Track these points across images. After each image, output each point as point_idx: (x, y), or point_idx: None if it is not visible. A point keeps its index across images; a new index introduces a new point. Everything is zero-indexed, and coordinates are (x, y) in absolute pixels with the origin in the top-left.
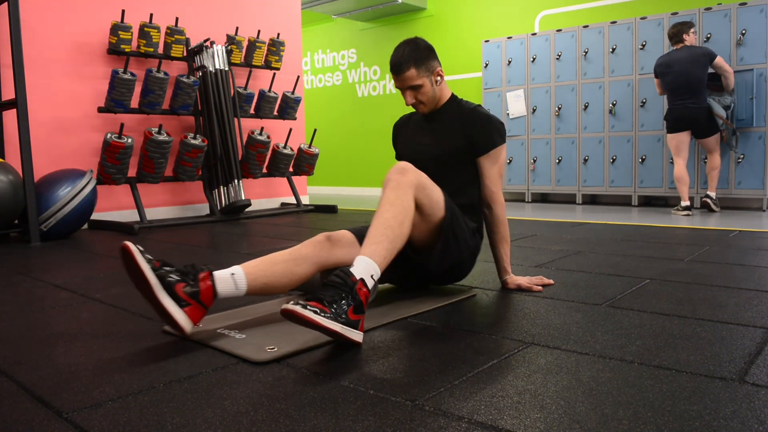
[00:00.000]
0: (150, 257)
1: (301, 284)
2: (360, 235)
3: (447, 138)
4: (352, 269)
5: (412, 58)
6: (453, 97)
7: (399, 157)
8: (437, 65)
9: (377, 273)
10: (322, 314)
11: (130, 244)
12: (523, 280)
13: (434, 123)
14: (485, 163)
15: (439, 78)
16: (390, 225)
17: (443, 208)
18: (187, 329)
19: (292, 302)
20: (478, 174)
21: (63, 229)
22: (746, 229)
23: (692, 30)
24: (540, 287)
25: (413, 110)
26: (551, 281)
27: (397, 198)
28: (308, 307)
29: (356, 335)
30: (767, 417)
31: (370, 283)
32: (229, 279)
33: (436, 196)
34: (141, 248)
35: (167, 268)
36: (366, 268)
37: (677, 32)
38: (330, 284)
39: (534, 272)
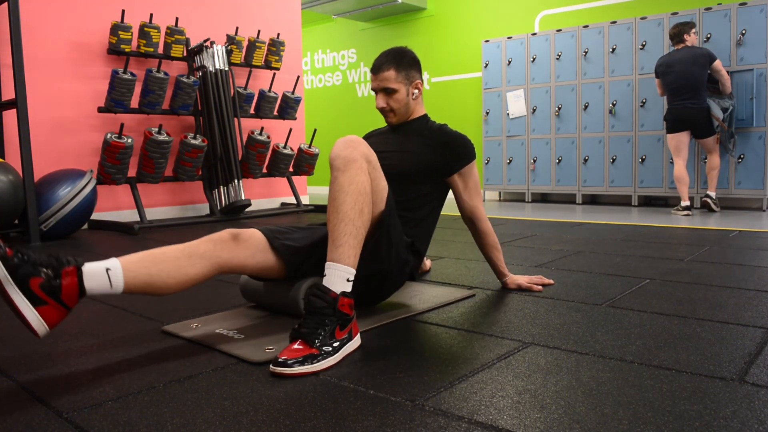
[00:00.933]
0: (2, 244)
1: (190, 286)
2: (272, 235)
3: (413, 152)
4: (326, 282)
5: (395, 61)
6: (426, 116)
7: None
8: (418, 78)
9: (352, 273)
10: (314, 361)
11: None
12: (523, 280)
13: (400, 135)
14: (459, 180)
15: (416, 91)
16: (350, 218)
17: (385, 200)
18: (41, 333)
19: (280, 359)
20: (435, 193)
21: (63, 229)
22: (746, 229)
23: (693, 30)
24: (540, 287)
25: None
26: (551, 281)
27: (350, 182)
28: (298, 362)
29: (352, 345)
30: (767, 417)
31: (349, 288)
32: (102, 275)
33: (382, 183)
34: None
35: (22, 258)
36: (340, 275)
37: (678, 32)
38: (310, 311)
39: (534, 272)
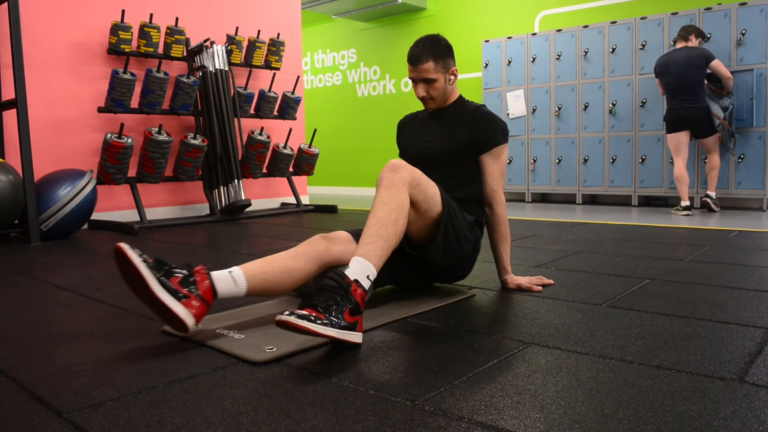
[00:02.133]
0: (142, 254)
1: (302, 282)
2: (357, 234)
3: (451, 135)
4: (346, 271)
5: (432, 52)
6: (460, 97)
7: (402, 155)
8: (453, 64)
9: (373, 273)
10: (317, 321)
11: (123, 244)
12: (523, 280)
13: (439, 121)
14: (487, 160)
15: (452, 77)
16: (384, 224)
17: (440, 203)
18: (189, 323)
19: (286, 312)
20: (480, 171)
21: (63, 229)
22: (746, 229)
23: (692, 35)
24: (540, 287)
25: (416, 110)
26: (551, 281)
27: (390, 196)
28: (303, 316)
29: (355, 337)
30: (767, 417)
31: (366, 284)
32: (228, 277)
33: (431, 191)
34: (135, 249)
35: (160, 262)
36: (361, 268)
37: (686, 33)
38: (324, 288)
39: (534, 272)
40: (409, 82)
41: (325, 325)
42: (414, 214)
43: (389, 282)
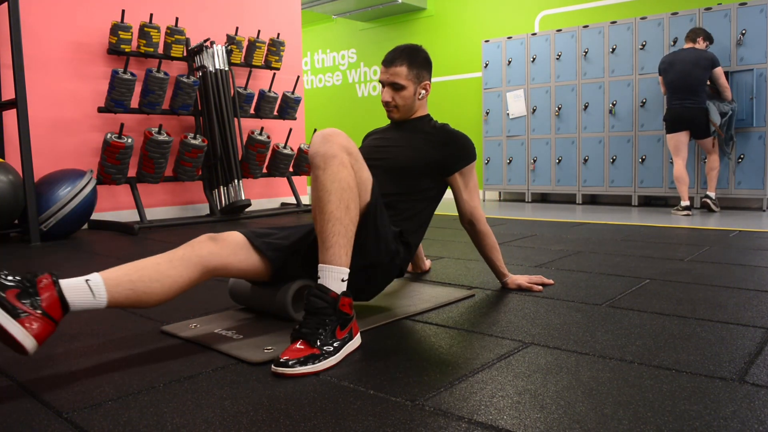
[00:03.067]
0: None
1: (178, 292)
2: (252, 236)
3: (413, 148)
4: (325, 283)
5: (408, 59)
6: (428, 115)
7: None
8: (427, 79)
9: (346, 272)
10: (316, 361)
11: None
12: (523, 280)
13: (402, 132)
14: (460, 180)
15: (423, 91)
16: (336, 217)
17: (369, 192)
18: (29, 348)
19: (281, 359)
20: (430, 192)
21: (63, 229)
22: (746, 229)
23: (700, 38)
24: (540, 287)
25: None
26: (551, 281)
27: (332, 180)
28: (299, 362)
29: (353, 345)
30: (767, 417)
31: (345, 286)
32: (83, 286)
33: (365, 174)
34: None
35: None
36: (334, 276)
37: (695, 35)
38: (311, 311)
39: (534, 272)
40: None
41: (324, 357)
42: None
43: (287, 276)
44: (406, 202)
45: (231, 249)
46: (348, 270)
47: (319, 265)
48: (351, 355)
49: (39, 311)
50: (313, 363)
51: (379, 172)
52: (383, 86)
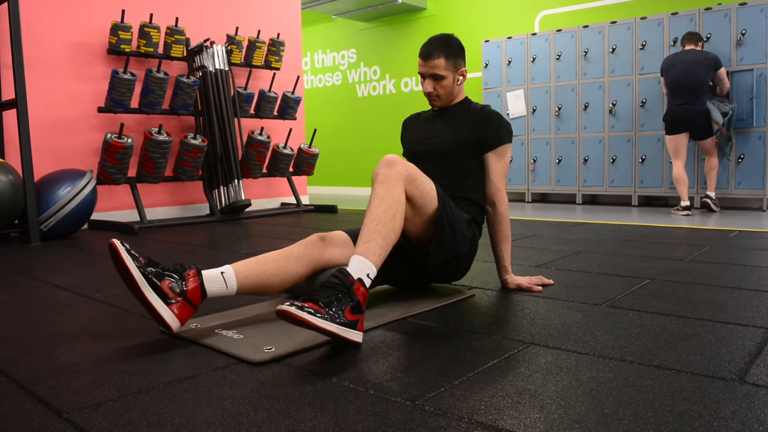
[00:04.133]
0: (136, 254)
1: (293, 284)
2: (354, 235)
3: (455, 132)
4: (348, 269)
5: (445, 49)
6: (466, 98)
7: (405, 149)
8: (463, 65)
9: (373, 271)
10: (318, 315)
11: (116, 241)
12: (523, 280)
13: (444, 118)
14: (492, 158)
15: (461, 78)
16: (381, 220)
17: (436, 199)
18: (174, 327)
19: (287, 303)
20: (481, 170)
21: (63, 229)
22: (746, 229)
23: (701, 42)
24: (540, 287)
25: (421, 110)
26: (551, 281)
27: (386, 192)
28: (304, 308)
29: (355, 335)
30: (767, 417)
31: (367, 282)
32: (219, 277)
33: (427, 187)
34: (127, 246)
35: (152, 268)
36: (361, 267)
37: (693, 37)
38: (328, 285)
39: (534, 272)
40: (410, 82)
41: (325, 319)
42: (410, 209)
43: (385, 282)
44: (467, 187)
45: (339, 248)
46: (375, 269)
47: (353, 255)
48: (351, 355)
49: (184, 299)
50: (315, 316)
51: (429, 162)
52: (423, 78)
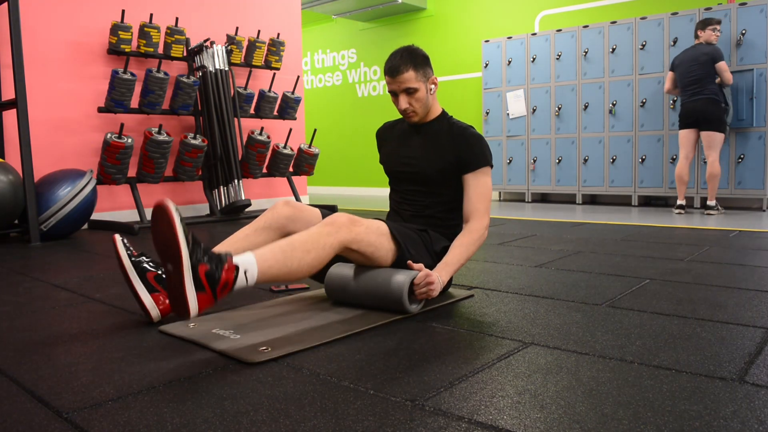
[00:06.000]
0: (131, 248)
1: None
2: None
3: (437, 154)
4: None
5: (411, 61)
6: (444, 113)
7: (383, 163)
8: (432, 73)
9: (253, 275)
10: (184, 233)
11: (116, 236)
12: (421, 278)
13: (422, 136)
14: (471, 180)
15: (433, 86)
16: (294, 246)
17: (391, 247)
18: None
19: (175, 209)
20: (458, 190)
21: (63, 229)
22: (746, 229)
23: (710, 27)
24: (424, 294)
25: (395, 119)
26: (433, 295)
27: (318, 237)
28: (181, 220)
29: (191, 294)
30: (767, 417)
31: (241, 277)
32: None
33: (375, 241)
34: (126, 241)
35: (143, 260)
36: (246, 261)
37: (700, 24)
38: (205, 249)
39: (534, 272)
40: None
41: (187, 248)
42: (361, 258)
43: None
44: (445, 209)
45: (307, 225)
46: (255, 278)
47: (248, 251)
48: (351, 355)
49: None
50: (182, 228)
51: (412, 184)
52: (395, 96)
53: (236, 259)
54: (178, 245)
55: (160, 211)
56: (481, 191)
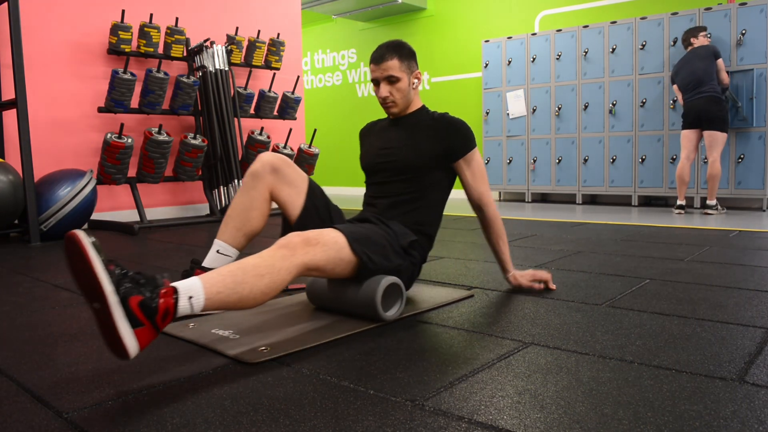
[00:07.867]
0: (104, 253)
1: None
2: (313, 189)
3: (416, 144)
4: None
5: (396, 52)
6: (423, 107)
7: (360, 159)
8: (417, 68)
9: (199, 302)
10: (105, 270)
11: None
12: (524, 280)
13: (400, 128)
14: (464, 166)
15: (416, 81)
16: (246, 270)
17: (352, 259)
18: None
19: (85, 235)
20: (442, 184)
21: (63, 229)
22: (746, 229)
23: (702, 33)
24: (540, 285)
25: (377, 119)
26: (553, 286)
27: (272, 265)
28: (99, 250)
29: (126, 332)
30: (767, 417)
31: (183, 303)
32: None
33: (334, 257)
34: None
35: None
36: (191, 286)
37: (685, 38)
38: (134, 277)
39: None
40: None
41: (110, 281)
42: (328, 275)
43: None
44: (424, 198)
45: (294, 189)
46: (203, 304)
47: (195, 276)
48: (351, 355)
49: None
50: (101, 264)
51: (388, 174)
52: (377, 84)
53: (177, 284)
54: (98, 281)
55: (71, 244)
56: (478, 172)
